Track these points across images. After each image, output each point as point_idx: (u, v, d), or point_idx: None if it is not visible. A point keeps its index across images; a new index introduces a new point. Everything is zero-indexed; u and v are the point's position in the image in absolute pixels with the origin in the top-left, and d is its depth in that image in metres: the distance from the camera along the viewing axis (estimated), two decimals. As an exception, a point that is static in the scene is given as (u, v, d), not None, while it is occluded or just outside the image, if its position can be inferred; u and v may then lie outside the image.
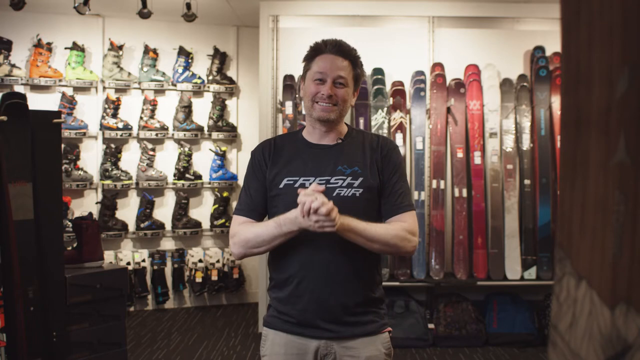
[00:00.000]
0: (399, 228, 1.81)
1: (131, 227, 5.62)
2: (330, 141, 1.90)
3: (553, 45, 4.90)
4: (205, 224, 5.81)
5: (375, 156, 1.90)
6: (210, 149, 5.85)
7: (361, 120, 4.78)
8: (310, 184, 1.81)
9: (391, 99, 4.81)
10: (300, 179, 1.84)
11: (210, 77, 5.85)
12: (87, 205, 5.47)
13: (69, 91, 5.42)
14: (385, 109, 4.80)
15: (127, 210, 5.66)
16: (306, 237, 1.78)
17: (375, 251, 1.83)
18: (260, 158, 1.92)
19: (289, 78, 4.80)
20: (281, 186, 1.84)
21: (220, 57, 5.84)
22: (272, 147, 1.93)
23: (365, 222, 1.77)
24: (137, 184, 5.61)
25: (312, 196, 1.68)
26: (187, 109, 5.73)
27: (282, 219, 1.75)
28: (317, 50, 1.89)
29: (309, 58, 1.90)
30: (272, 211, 1.87)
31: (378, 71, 4.89)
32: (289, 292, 1.83)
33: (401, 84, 4.85)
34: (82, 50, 5.43)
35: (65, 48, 5.40)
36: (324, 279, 1.80)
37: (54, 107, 5.23)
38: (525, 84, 4.83)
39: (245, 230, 1.84)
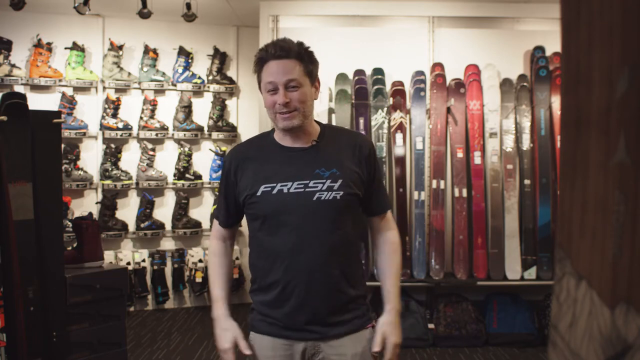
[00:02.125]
0: (395, 242, 2.00)
1: (131, 227, 5.62)
2: (304, 144, 1.83)
3: (553, 45, 4.89)
4: (205, 224, 5.80)
5: (357, 156, 1.85)
6: (210, 149, 5.85)
7: (361, 120, 4.78)
8: (288, 189, 1.78)
9: (391, 99, 4.80)
10: (277, 185, 1.78)
11: (210, 77, 5.85)
12: (87, 205, 5.47)
13: (69, 91, 5.42)
14: (385, 109, 4.80)
15: (127, 210, 5.66)
16: (290, 241, 1.78)
17: None
18: (228, 169, 1.89)
19: (289, 78, 4.79)
20: (259, 194, 1.80)
21: (220, 57, 5.83)
22: (241, 156, 1.89)
23: (393, 279, 1.98)
24: (137, 184, 5.61)
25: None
26: (187, 109, 5.73)
27: (215, 305, 1.91)
28: (261, 60, 1.79)
29: (258, 70, 1.81)
30: (251, 214, 1.86)
31: (378, 71, 4.89)
32: (274, 297, 1.82)
33: (401, 84, 4.84)
34: (82, 50, 5.42)
35: (65, 48, 5.39)
36: (309, 283, 1.78)
37: (54, 107, 5.23)
38: (525, 84, 4.82)
39: (211, 260, 2.00)
